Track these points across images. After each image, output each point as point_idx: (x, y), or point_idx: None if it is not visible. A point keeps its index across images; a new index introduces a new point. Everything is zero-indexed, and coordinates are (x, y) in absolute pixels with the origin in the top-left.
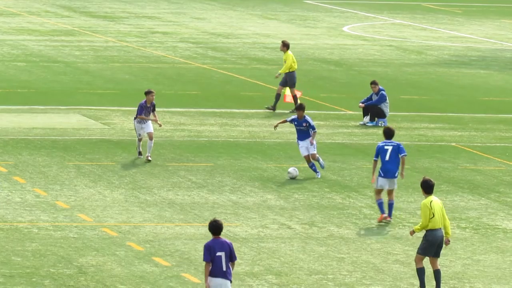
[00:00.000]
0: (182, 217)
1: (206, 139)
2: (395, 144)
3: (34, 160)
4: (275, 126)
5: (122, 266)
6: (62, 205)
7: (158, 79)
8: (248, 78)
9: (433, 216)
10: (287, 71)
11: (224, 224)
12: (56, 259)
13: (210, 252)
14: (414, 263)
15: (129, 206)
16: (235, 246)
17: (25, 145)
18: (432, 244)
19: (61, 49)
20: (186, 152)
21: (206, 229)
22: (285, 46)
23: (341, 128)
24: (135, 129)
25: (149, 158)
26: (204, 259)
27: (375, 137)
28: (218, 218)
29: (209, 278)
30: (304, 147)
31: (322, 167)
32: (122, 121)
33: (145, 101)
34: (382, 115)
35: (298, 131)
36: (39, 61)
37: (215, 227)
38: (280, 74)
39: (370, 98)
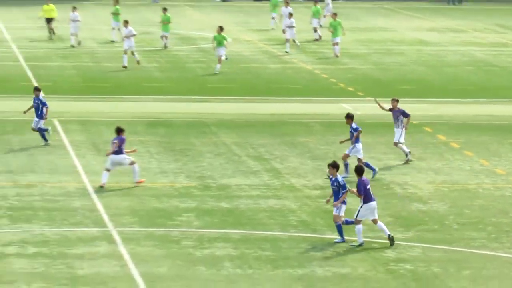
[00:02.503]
0: None
1: None
2: None
3: (479, 139)
4: None
5: None
6: (500, 172)
7: None
8: None
9: None
10: None
11: None
12: (496, 211)
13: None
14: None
15: None
16: None
17: (472, 127)
18: None
19: (497, 56)
20: None
21: None
22: None
23: None
24: None
25: None
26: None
27: None
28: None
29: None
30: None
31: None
32: None
33: None
34: None
35: None
36: (482, 66)
37: (361, 170)
38: None
39: None
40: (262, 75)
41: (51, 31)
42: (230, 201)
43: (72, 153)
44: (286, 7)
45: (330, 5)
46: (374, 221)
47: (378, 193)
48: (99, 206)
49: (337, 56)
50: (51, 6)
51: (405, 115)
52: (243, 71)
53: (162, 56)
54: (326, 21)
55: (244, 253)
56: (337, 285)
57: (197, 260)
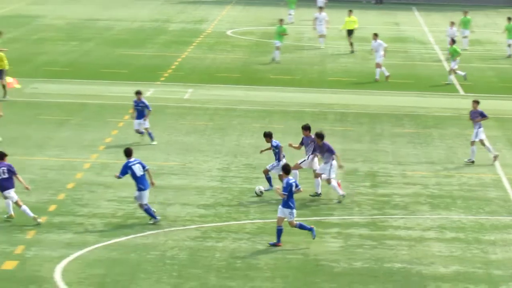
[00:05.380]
0: None
1: None
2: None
3: None
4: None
5: None
6: None
7: None
8: None
9: None
10: None
11: None
12: None
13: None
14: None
15: None
16: None
17: None
18: None
19: None
20: None
21: None
22: None
23: None
24: None
25: None
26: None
27: None
28: None
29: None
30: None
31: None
32: None
33: None
34: None
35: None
36: None
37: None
38: None
39: None
40: None
41: (351, 44)
42: None
43: (490, 148)
44: None
45: None
46: (328, 181)
47: None
48: None
49: None
50: (352, 18)
51: None
52: None
53: None
54: None
55: None
56: None
57: None
